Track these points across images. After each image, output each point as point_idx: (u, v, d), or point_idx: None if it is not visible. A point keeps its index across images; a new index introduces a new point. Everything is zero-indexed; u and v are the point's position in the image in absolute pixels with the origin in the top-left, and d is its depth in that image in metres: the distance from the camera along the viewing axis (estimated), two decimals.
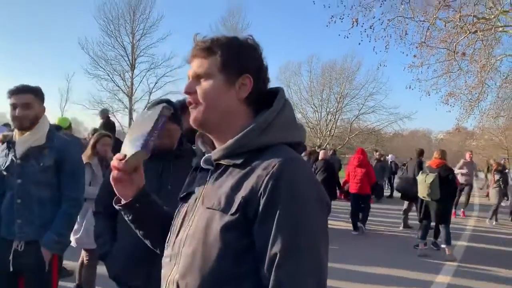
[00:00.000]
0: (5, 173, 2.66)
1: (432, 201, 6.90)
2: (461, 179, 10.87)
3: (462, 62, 12.52)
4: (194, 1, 52.19)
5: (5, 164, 2.67)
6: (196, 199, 1.16)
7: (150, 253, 1.42)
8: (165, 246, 1.23)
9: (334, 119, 34.52)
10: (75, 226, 3.64)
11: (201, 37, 1.17)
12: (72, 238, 3.82)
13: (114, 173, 1.22)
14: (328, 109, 34.92)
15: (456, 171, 10.02)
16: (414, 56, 12.19)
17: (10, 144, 2.71)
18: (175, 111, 2.27)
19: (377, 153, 15.98)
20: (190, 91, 1.15)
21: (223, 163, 1.11)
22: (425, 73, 13.13)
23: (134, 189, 1.27)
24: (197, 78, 1.14)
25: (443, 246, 7.04)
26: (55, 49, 48.59)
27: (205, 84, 1.13)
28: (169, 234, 1.24)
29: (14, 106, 2.63)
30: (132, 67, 27.82)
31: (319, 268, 0.99)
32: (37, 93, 2.70)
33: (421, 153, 9.31)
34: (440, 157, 7.20)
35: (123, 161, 1.19)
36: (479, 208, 14.17)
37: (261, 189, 1.00)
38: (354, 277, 5.57)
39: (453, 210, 9.83)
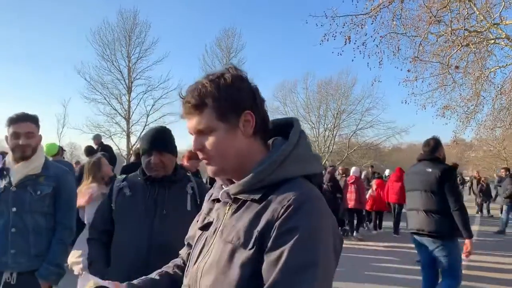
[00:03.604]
0: None
1: None
2: None
3: (456, 75, 12.63)
4: (189, 23, 52.91)
5: None
6: (215, 230, 1.17)
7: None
8: (185, 274, 1.25)
9: (332, 135, 34.61)
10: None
11: (187, 91, 1.15)
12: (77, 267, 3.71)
13: None
14: (325, 125, 35.14)
15: None
16: (408, 70, 12.28)
17: (3, 171, 2.66)
18: (167, 143, 2.31)
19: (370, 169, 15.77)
20: (199, 147, 1.15)
21: (241, 197, 1.12)
22: (420, 87, 13.22)
23: None
24: (200, 133, 1.14)
25: None
26: (51, 75, 49.00)
27: (210, 139, 1.13)
28: (188, 263, 1.26)
29: (16, 135, 2.58)
30: (129, 90, 27.94)
31: None
32: (37, 122, 2.70)
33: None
34: None
35: None
36: (480, 221, 14.09)
37: (276, 223, 1.01)
38: None
39: None
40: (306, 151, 1.17)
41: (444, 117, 13.70)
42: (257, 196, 1.09)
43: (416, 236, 4.31)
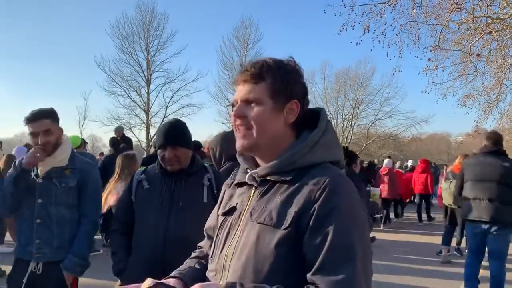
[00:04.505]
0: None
1: (458, 208, 6.75)
2: None
3: (478, 63, 12.33)
4: (206, 14, 52.77)
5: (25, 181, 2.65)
6: (240, 213, 1.20)
7: (165, 269, 1.44)
8: (209, 260, 1.27)
9: (351, 125, 34.27)
10: None
11: (249, 63, 1.21)
12: None
13: None
14: (344, 116, 34.72)
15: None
16: (429, 59, 12.01)
17: None
18: (181, 137, 2.32)
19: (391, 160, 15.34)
20: (241, 114, 1.19)
21: (271, 179, 1.16)
22: (441, 76, 13.01)
23: None
24: (247, 102, 1.19)
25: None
26: (71, 68, 49.64)
27: (256, 109, 1.17)
28: (212, 249, 1.28)
29: (34, 134, 2.59)
30: (148, 83, 28.13)
31: (369, 278, 1.06)
32: (52, 117, 2.66)
33: None
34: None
35: None
36: None
37: (314, 204, 1.06)
38: (373, 285, 5.47)
39: None
40: (333, 139, 1.23)
41: (466, 106, 13.47)
42: (288, 177, 1.13)
43: (478, 224, 4.54)
